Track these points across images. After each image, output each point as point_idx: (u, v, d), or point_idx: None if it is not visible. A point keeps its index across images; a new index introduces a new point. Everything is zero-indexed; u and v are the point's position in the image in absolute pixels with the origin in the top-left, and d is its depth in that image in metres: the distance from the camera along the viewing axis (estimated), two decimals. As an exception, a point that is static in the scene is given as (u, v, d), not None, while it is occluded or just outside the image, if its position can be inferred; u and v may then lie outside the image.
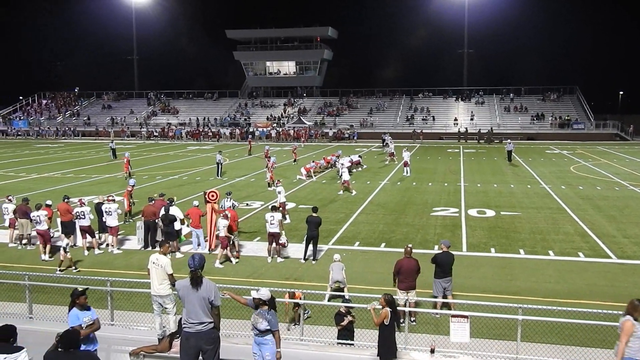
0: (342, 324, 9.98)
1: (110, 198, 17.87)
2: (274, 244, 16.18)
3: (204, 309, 7.51)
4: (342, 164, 30.52)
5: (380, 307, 8.66)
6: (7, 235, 18.20)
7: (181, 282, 7.77)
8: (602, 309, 9.78)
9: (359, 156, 38.63)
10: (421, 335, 10.42)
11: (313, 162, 34.34)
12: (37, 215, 16.38)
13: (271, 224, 15.99)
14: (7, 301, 11.80)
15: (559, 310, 9.79)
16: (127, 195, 20.99)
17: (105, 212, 17.18)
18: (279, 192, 20.92)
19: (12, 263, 15.93)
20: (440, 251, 12.41)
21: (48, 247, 16.51)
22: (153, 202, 17.79)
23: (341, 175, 28.23)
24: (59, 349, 6.28)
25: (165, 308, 9.90)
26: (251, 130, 67.83)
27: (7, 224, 18.18)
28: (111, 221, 17.11)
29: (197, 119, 74.60)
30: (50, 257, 16.44)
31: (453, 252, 12.49)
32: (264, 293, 8.15)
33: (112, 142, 46.80)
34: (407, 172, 33.46)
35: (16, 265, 15.47)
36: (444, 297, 12.03)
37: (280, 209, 19.99)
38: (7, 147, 56.43)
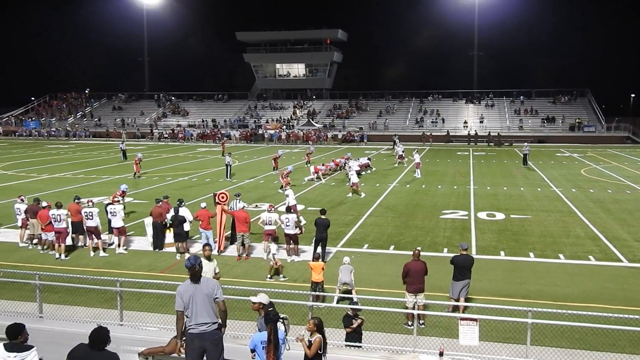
0: (353, 326, 9.95)
1: (116, 199, 18.01)
2: (291, 244, 16.38)
3: (207, 309, 7.56)
4: (350, 167, 30.49)
5: (309, 334, 7.90)
6: (19, 235, 18.33)
7: (181, 286, 7.80)
8: (612, 313, 9.70)
9: (368, 159, 38.57)
10: (430, 338, 10.41)
11: (323, 165, 34.36)
12: (58, 215, 16.48)
13: (287, 225, 16.10)
14: (18, 300, 11.89)
15: (569, 313, 9.71)
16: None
17: (110, 213, 17.27)
18: (287, 195, 20.93)
19: (23, 263, 16.05)
20: (459, 254, 12.41)
21: (63, 246, 16.60)
22: (160, 203, 17.86)
23: (350, 177, 28.21)
24: (88, 346, 6.35)
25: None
26: (259, 130, 67.97)
27: (19, 224, 18.31)
28: (116, 222, 17.18)
29: (204, 120, 74.92)
30: (66, 257, 16.55)
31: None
32: (263, 297, 8.17)
33: (122, 144, 47.06)
34: (418, 174, 33.42)
35: (27, 265, 15.59)
36: (458, 299, 12.02)
37: (292, 211, 19.98)
38: (19, 147, 56.87)
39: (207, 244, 11.50)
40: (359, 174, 31.64)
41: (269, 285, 12.76)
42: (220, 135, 66.14)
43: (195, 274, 7.66)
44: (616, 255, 16.79)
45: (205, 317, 7.56)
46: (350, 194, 27.09)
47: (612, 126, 64.54)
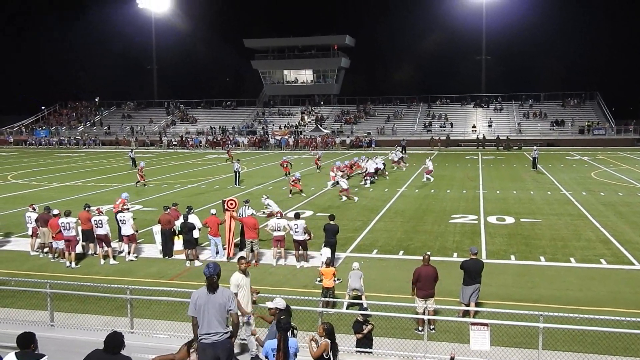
0: (364, 332, 9.92)
1: (125, 207, 18.08)
2: (300, 250, 16.41)
3: (220, 318, 7.57)
4: (339, 175, 29.90)
5: (320, 339, 7.92)
6: (29, 244, 18.43)
7: (196, 291, 7.82)
8: (625, 317, 9.61)
9: (383, 163, 38.33)
10: (441, 343, 10.35)
11: (345, 167, 34.22)
12: (67, 223, 16.57)
13: (295, 231, 16.12)
14: (29, 309, 11.95)
15: (581, 317, 9.64)
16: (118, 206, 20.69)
17: (120, 220, 17.34)
18: (269, 205, 20.80)
19: (34, 271, 16.14)
20: (468, 258, 12.36)
21: (73, 254, 16.67)
22: (169, 210, 17.92)
23: (340, 183, 28.12)
24: (103, 351, 6.47)
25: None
26: (268, 138, 68.20)
27: (30, 232, 18.43)
28: (126, 230, 17.24)
29: (212, 127, 75.22)
30: (76, 265, 16.62)
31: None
32: (279, 302, 8.14)
33: (131, 152, 47.29)
34: (425, 178, 33.40)
35: (38, 274, 15.66)
36: (468, 304, 11.97)
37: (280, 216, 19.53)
38: (30, 156, 57.32)
39: (243, 257, 10.70)
40: (372, 176, 32.03)
41: (278, 292, 12.73)
42: (229, 142, 66.41)
43: (212, 284, 7.65)
44: (628, 258, 16.64)
45: (217, 327, 7.57)
46: (343, 198, 27.21)
47: (622, 129, 64.17)
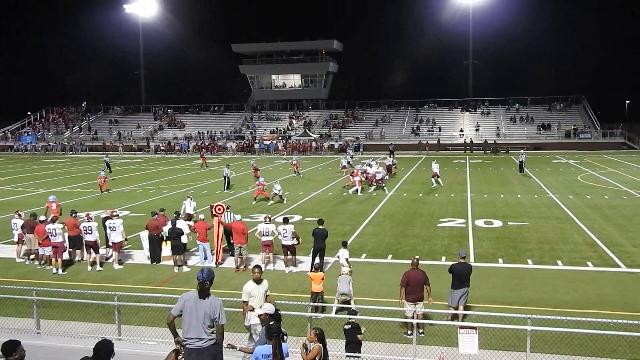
0: (360, 337, 9.89)
1: (114, 213, 17.94)
2: (289, 255, 16.34)
3: (204, 325, 7.54)
4: (277, 182, 29.35)
5: (311, 343, 7.92)
6: (15, 250, 18.23)
7: (188, 293, 7.81)
8: (612, 319, 9.69)
9: (392, 163, 38.19)
10: (430, 347, 10.39)
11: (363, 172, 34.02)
12: (53, 229, 16.42)
13: (284, 236, 16.10)
14: (15, 316, 11.82)
15: (568, 320, 9.70)
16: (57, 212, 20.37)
17: (109, 227, 17.21)
18: (185, 204, 20.77)
19: (20, 278, 15.97)
20: (457, 262, 12.41)
21: (60, 261, 16.52)
22: (156, 216, 17.82)
23: (274, 187, 28.15)
24: (93, 358, 6.44)
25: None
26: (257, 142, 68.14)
27: (15, 239, 18.24)
28: (115, 237, 17.11)
29: (200, 132, 75.00)
30: (63, 272, 16.47)
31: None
32: (268, 307, 8.12)
33: (106, 156, 46.89)
34: (434, 183, 32.88)
35: (24, 281, 15.50)
36: (457, 307, 12.00)
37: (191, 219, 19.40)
38: (16, 162, 56.77)
39: (257, 266, 10.22)
40: (381, 180, 32.02)
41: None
42: (203, 148, 65.92)
43: (203, 290, 7.63)
44: (614, 261, 16.79)
45: (200, 333, 7.55)
46: (271, 201, 27.83)
47: (608, 132, 64.79)
